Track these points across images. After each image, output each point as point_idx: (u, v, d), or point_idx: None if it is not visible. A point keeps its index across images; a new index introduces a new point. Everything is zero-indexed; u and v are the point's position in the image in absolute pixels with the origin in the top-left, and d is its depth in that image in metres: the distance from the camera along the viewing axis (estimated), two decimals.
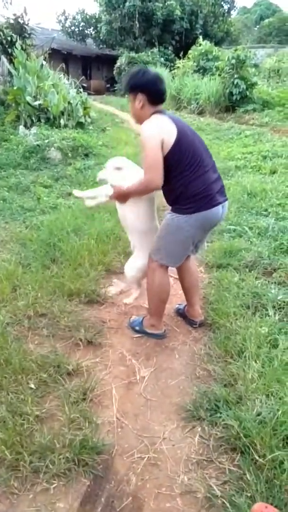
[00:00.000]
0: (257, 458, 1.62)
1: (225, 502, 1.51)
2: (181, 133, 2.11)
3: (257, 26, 38.78)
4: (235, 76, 11.23)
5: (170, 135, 2.07)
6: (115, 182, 2.39)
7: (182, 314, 2.76)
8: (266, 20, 37.10)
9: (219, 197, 2.26)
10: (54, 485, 1.59)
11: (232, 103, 11.56)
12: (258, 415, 1.78)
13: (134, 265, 2.56)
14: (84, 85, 12.27)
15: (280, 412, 1.75)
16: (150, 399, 2.07)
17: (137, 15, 21.12)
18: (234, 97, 11.34)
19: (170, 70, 16.56)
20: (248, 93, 11.43)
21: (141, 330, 2.57)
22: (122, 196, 2.34)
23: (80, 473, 1.64)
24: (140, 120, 2.19)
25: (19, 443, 1.70)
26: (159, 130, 2.07)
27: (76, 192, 2.66)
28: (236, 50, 11.61)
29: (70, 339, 2.46)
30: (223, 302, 2.71)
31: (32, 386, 2.03)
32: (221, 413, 1.85)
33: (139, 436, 1.85)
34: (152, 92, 2.14)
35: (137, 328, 2.58)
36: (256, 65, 14.53)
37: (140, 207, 2.40)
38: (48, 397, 2.01)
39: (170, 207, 2.33)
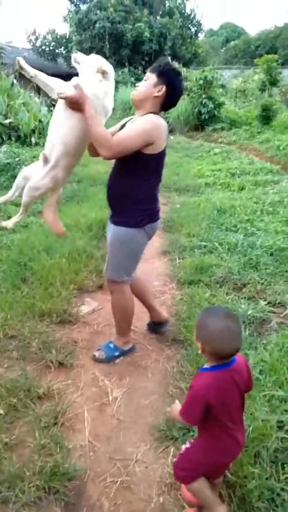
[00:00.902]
0: (229, 476, 1.62)
1: None
2: (166, 146, 2.14)
3: (223, 48, 40.29)
4: (203, 96, 11.59)
5: (162, 142, 2.06)
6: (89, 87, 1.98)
7: (152, 327, 2.78)
8: (232, 42, 38.61)
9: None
10: None
11: (201, 122, 11.89)
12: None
13: (42, 182, 2.15)
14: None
15: (251, 428, 1.77)
16: (123, 420, 2.05)
17: (107, 36, 21.53)
18: (203, 116, 11.68)
19: None
20: (216, 112, 11.80)
21: (120, 352, 2.52)
22: (80, 105, 1.92)
23: (51, 501, 1.60)
24: (141, 103, 2.08)
25: None
26: (158, 133, 2.01)
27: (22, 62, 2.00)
28: (203, 71, 12.02)
29: (41, 361, 2.41)
30: (195, 318, 2.72)
31: (1, 411, 1.97)
32: (193, 431, 1.85)
33: (111, 459, 1.83)
34: (173, 95, 2.09)
35: (116, 354, 2.51)
36: (223, 86, 15.03)
37: (83, 130, 2.01)
38: (18, 422, 1.95)
39: (113, 214, 2.25)
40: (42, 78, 2.04)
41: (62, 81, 2.06)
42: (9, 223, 2.42)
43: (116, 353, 2.51)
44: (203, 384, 1.34)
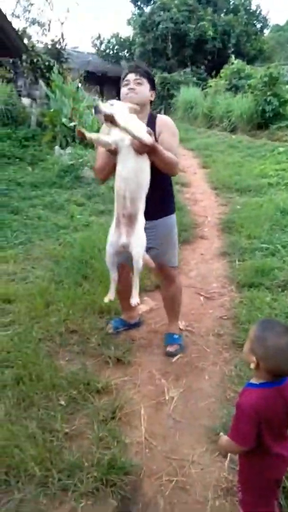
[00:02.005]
0: None
1: None
2: None
3: None
4: (268, 93, 11.18)
5: None
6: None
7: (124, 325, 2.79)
8: None
9: None
10: (82, 505, 1.59)
11: (265, 120, 11.47)
12: None
13: (144, 239, 2.09)
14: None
15: None
16: (179, 420, 2.05)
17: (170, 37, 21.58)
18: (267, 114, 11.26)
19: (203, 89, 16.70)
20: (281, 110, 11.33)
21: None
22: (149, 149, 1.98)
23: (108, 494, 1.63)
24: (143, 106, 2.18)
25: (49, 460, 1.72)
26: None
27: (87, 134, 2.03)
28: (269, 67, 11.60)
29: (100, 357, 2.48)
30: (251, 328, 2.65)
31: (62, 403, 2.06)
32: None
33: (167, 458, 1.83)
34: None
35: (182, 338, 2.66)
36: None
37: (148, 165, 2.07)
38: (78, 414, 2.03)
39: (158, 211, 2.32)
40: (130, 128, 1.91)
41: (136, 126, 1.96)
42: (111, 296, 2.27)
43: (182, 338, 2.66)
44: (252, 401, 1.25)
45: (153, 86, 2.27)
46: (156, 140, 2.06)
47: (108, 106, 1.97)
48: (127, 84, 2.18)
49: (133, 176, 2.02)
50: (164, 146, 2.08)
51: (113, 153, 2.06)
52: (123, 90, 2.19)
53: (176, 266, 2.55)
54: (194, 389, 2.26)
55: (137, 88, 2.16)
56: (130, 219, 2.09)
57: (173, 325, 2.67)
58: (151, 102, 2.29)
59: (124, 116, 1.94)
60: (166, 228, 2.42)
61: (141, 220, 2.10)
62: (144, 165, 2.04)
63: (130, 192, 2.03)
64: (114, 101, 2.06)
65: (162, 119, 2.26)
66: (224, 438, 1.37)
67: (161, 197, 2.34)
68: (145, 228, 2.15)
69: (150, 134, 1.94)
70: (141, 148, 1.95)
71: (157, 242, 2.38)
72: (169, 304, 2.65)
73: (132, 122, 1.94)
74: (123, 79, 2.21)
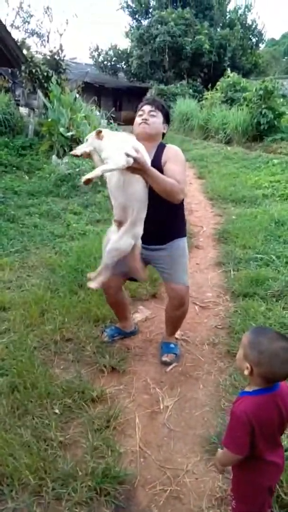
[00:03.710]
0: (283, 496, 1.56)
1: None
2: None
3: (286, 57, 39.35)
4: (263, 106, 11.36)
5: None
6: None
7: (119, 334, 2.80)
8: None
9: None
10: None
11: (260, 133, 11.63)
12: (286, 450, 1.72)
13: (122, 242, 2.15)
14: (113, 115, 12.75)
15: None
16: (174, 429, 2.04)
17: (167, 50, 21.92)
18: (262, 127, 11.42)
19: (199, 101, 16.95)
20: (276, 122, 11.50)
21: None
22: (143, 167, 1.96)
23: (102, 503, 1.63)
24: (155, 136, 2.28)
25: (43, 468, 1.71)
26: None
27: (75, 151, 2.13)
28: (263, 81, 11.79)
29: (94, 365, 2.48)
30: (248, 330, 2.67)
31: (57, 411, 2.05)
32: None
33: (161, 467, 1.83)
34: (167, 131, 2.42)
35: (178, 348, 2.68)
36: (284, 96, 14.65)
37: (146, 185, 2.10)
38: (72, 423, 2.02)
39: (169, 235, 2.41)
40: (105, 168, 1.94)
41: (115, 154, 1.93)
42: (94, 284, 2.25)
43: (178, 348, 2.67)
44: (246, 409, 1.25)
45: (167, 120, 2.35)
46: (161, 168, 2.15)
47: (80, 147, 2.12)
48: (141, 115, 2.27)
49: (118, 192, 2.10)
50: (168, 174, 2.12)
51: None
52: (137, 120, 2.28)
53: (188, 285, 2.47)
54: (188, 398, 2.27)
55: (150, 119, 2.25)
56: (120, 225, 2.18)
57: (171, 337, 2.69)
58: (163, 134, 2.36)
59: (102, 145, 2.03)
60: (177, 251, 2.42)
61: (129, 226, 2.14)
62: (132, 179, 2.02)
63: (119, 203, 2.14)
64: (89, 136, 2.12)
65: (170, 149, 2.29)
66: (220, 451, 1.38)
67: (173, 222, 2.38)
68: (156, 250, 2.39)
69: (134, 155, 1.89)
70: (131, 168, 1.92)
71: (168, 265, 2.42)
72: (172, 322, 2.61)
73: (108, 153, 1.96)
74: (139, 109, 2.30)
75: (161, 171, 2.12)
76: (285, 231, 4.56)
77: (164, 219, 2.31)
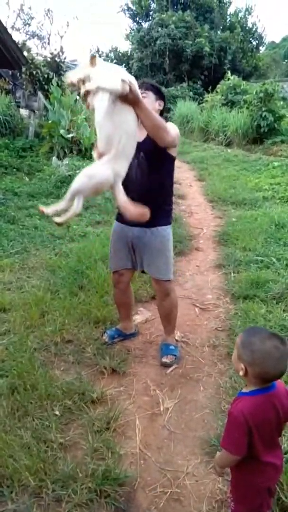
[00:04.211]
0: (283, 498, 1.56)
1: None
2: None
3: (286, 60, 39.45)
4: (263, 109, 11.38)
5: (177, 149, 2.37)
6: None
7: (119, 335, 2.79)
8: None
9: None
10: None
11: (260, 135, 11.65)
12: (286, 453, 1.73)
13: (101, 169, 1.93)
14: None
15: None
16: (174, 431, 2.04)
17: (167, 52, 21.96)
18: (262, 129, 11.44)
19: (199, 104, 16.97)
20: (276, 125, 11.52)
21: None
22: (133, 100, 1.88)
23: (102, 505, 1.63)
24: None
25: (43, 470, 1.71)
26: (179, 139, 2.33)
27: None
28: (264, 84, 11.82)
29: (95, 367, 2.48)
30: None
31: (57, 412, 2.05)
32: None
33: (162, 469, 1.83)
34: (164, 106, 2.42)
35: (178, 350, 2.68)
36: (284, 98, 14.69)
37: (136, 119, 1.98)
38: (72, 424, 2.02)
39: (156, 218, 2.23)
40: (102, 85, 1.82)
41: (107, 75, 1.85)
42: (61, 219, 2.01)
43: (178, 349, 2.66)
44: (243, 410, 1.25)
45: (160, 96, 2.35)
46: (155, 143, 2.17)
47: (73, 73, 1.91)
48: None
49: (107, 121, 1.89)
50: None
51: None
52: None
53: (170, 279, 2.53)
54: (189, 400, 2.27)
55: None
56: (100, 157, 1.97)
57: (169, 337, 2.69)
58: (161, 111, 2.35)
59: (94, 73, 1.83)
60: (160, 239, 2.41)
61: (111, 157, 1.91)
62: (123, 109, 1.89)
63: (105, 134, 1.92)
64: (81, 63, 1.96)
65: (169, 123, 2.28)
66: (218, 455, 1.38)
67: (158, 204, 2.29)
68: (138, 237, 2.36)
69: (130, 81, 1.82)
70: (123, 97, 1.84)
71: (151, 254, 2.42)
72: (164, 317, 2.66)
73: (101, 75, 1.82)
74: None
75: (155, 146, 2.17)
76: (285, 234, 4.56)
77: (149, 199, 2.13)
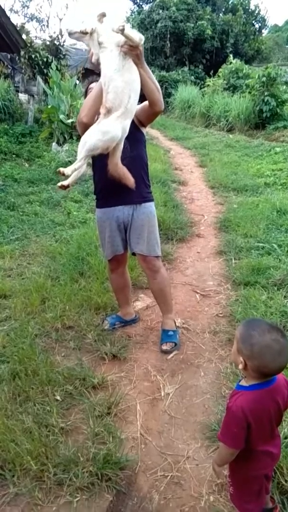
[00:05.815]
0: (283, 482, 1.57)
1: None
2: None
3: None
4: (266, 93, 11.21)
5: None
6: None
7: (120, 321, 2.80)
8: None
9: None
10: (77, 499, 1.59)
11: (262, 120, 11.51)
12: (286, 438, 1.74)
13: (114, 126, 1.94)
14: None
15: None
16: (175, 416, 2.06)
17: (168, 36, 21.58)
18: (264, 114, 11.29)
19: (200, 88, 16.73)
20: (278, 110, 11.37)
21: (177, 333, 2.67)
22: (139, 54, 1.93)
23: (103, 488, 1.64)
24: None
25: (44, 454, 1.72)
26: None
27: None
28: (267, 68, 11.62)
29: (96, 353, 2.49)
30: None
31: (58, 398, 2.06)
32: None
33: (162, 453, 1.84)
34: None
35: (178, 333, 2.67)
36: (287, 83, 14.48)
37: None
38: (74, 409, 2.03)
39: (139, 194, 2.34)
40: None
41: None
42: (67, 170, 2.11)
43: (177, 335, 2.64)
44: (242, 405, 1.23)
45: None
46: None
47: (82, 24, 1.92)
48: None
49: (117, 74, 1.91)
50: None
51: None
52: None
53: (159, 256, 2.54)
54: (189, 385, 2.28)
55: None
56: (109, 112, 1.97)
57: (168, 319, 2.66)
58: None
59: (101, 29, 1.90)
60: (147, 216, 2.42)
61: (121, 114, 1.95)
62: (132, 67, 1.94)
63: (115, 86, 1.92)
64: (89, 18, 1.97)
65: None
66: (215, 454, 1.39)
67: (141, 177, 2.35)
68: (128, 215, 2.37)
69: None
70: (131, 52, 1.89)
71: (139, 231, 2.41)
72: (158, 297, 2.64)
73: (108, 36, 1.89)
74: None
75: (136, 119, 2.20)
76: (286, 220, 4.52)
77: (136, 167, 2.25)
